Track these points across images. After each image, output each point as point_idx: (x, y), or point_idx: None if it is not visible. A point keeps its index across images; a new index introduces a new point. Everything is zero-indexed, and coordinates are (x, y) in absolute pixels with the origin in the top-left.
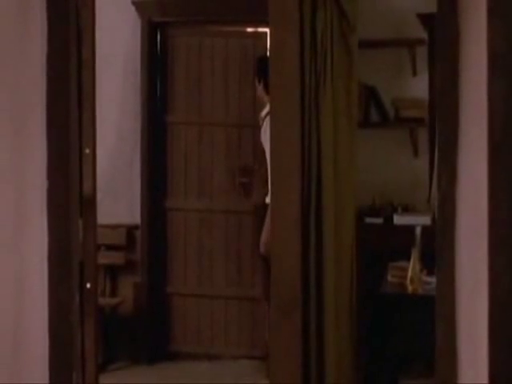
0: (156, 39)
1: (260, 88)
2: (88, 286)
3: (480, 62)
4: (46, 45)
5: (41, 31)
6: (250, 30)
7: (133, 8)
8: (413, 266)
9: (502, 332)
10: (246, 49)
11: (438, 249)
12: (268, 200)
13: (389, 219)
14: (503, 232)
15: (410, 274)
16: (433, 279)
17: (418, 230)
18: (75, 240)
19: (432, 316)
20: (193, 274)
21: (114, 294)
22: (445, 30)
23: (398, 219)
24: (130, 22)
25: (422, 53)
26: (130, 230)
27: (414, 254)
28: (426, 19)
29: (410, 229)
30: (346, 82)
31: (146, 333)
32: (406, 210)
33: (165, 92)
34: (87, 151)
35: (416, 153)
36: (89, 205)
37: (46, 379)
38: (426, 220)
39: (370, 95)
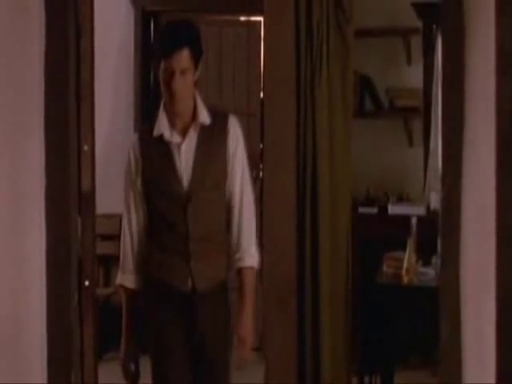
0: (149, 28)
1: None
2: (86, 283)
3: (487, 57)
4: (44, 40)
5: (39, 26)
6: (243, 18)
7: None
8: (408, 256)
9: (510, 329)
10: (239, 38)
11: (442, 245)
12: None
13: (383, 209)
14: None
15: (405, 264)
16: (428, 270)
17: (414, 221)
18: (74, 237)
19: (427, 307)
20: None
21: (107, 284)
22: (449, 21)
23: (393, 209)
24: (123, 11)
25: (416, 42)
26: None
27: (410, 245)
28: (420, 8)
29: (404, 219)
30: (342, 72)
31: (140, 322)
32: (401, 199)
33: (159, 81)
34: (86, 148)
35: (411, 142)
36: (87, 202)
37: (45, 378)
38: (420, 210)
39: (365, 84)
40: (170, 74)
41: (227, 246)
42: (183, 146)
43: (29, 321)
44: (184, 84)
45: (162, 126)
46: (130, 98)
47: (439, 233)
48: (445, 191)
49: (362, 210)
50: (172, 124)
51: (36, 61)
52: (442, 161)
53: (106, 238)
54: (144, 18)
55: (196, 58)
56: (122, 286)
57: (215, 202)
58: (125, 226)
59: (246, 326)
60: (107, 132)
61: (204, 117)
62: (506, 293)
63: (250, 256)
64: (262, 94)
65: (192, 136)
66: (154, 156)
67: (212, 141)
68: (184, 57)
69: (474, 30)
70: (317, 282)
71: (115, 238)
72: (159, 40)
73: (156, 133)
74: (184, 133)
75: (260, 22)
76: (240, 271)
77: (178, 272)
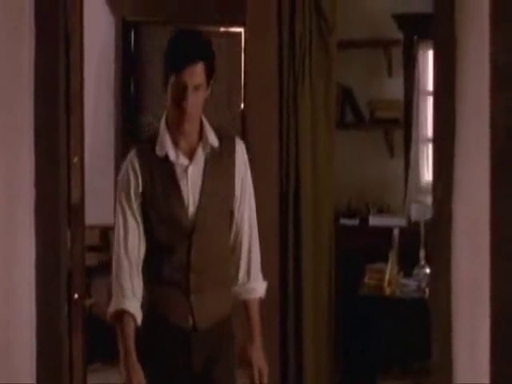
0: (130, 38)
1: None
2: (76, 296)
3: (480, 71)
4: (34, 52)
5: (29, 38)
6: (223, 29)
7: (107, 7)
8: (390, 268)
9: (505, 344)
10: (219, 48)
11: (433, 259)
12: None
13: (364, 220)
14: (506, 239)
15: (387, 276)
16: (410, 281)
17: (396, 232)
18: (64, 249)
19: (409, 318)
20: None
21: (88, 295)
22: (441, 32)
23: (373, 220)
24: (103, 21)
25: (397, 54)
26: (104, 230)
27: (392, 257)
28: (401, 20)
29: (385, 230)
30: (325, 82)
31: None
32: (381, 211)
33: (139, 91)
34: (75, 160)
35: (391, 154)
36: (77, 214)
37: None
38: (401, 221)
39: (345, 96)
40: (182, 90)
41: (233, 276)
42: (190, 169)
43: (18, 334)
44: (196, 101)
45: (166, 146)
46: (110, 108)
47: (427, 246)
48: (435, 205)
49: (343, 221)
50: (175, 143)
51: (26, 72)
52: (433, 174)
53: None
54: (124, 27)
55: (209, 74)
56: (119, 313)
57: (221, 230)
58: (120, 250)
59: (261, 356)
60: (87, 142)
61: (212, 138)
62: (500, 306)
63: (260, 286)
64: (242, 105)
65: (200, 158)
66: (156, 177)
67: (220, 164)
68: (198, 72)
69: (466, 42)
70: (300, 294)
71: (95, 249)
72: (171, 51)
73: (160, 152)
74: (190, 154)
75: (240, 33)
76: (247, 301)
77: (176, 307)
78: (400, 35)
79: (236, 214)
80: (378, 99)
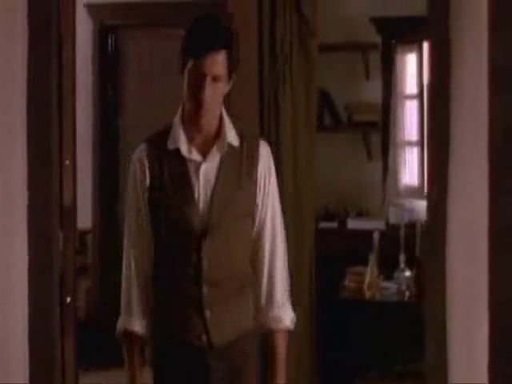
0: (108, 42)
1: None
2: (68, 300)
3: (477, 71)
4: (26, 54)
5: (22, 39)
6: None
7: (85, 11)
8: (371, 271)
9: (504, 344)
10: None
11: (427, 262)
12: None
13: (342, 224)
14: (506, 240)
15: (367, 279)
16: (390, 284)
17: (376, 235)
18: (56, 253)
19: (389, 322)
20: None
21: None
22: (435, 34)
23: (352, 223)
24: (81, 25)
25: (375, 57)
26: (82, 234)
27: (372, 259)
28: (379, 23)
29: (363, 233)
30: (306, 86)
31: (99, 338)
32: (360, 214)
33: (116, 95)
34: (67, 162)
35: (369, 157)
36: (69, 217)
37: None
38: (379, 224)
39: (323, 99)
40: (200, 79)
41: (254, 297)
42: (203, 167)
43: (11, 337)
44: (214, 93)
45: (179, 140)
46: (89, 110)
47: (424, 248)
48: (430, 207)
49: (321, 224)
50: (190, 138)
51: (18, 75)
52: (427, 177)
53: None
54: (102, 32)
55: (232, 65)
56: (127, 332)
57: (238, 239)
58: (129, 260)
59: None
60: None
61: (232, 137)
62: (499, 305)
63: (286, 315)
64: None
65: (215, 156)
66: (165, 171)
67: (239, 166)
68: (219, 61)
69: (462, 44)
70: None
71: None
72: (192, 34)
73: (171, 146)
74: (205, 151)
75: None
76: (273, 332)
77: (189, 324)
78: (378, 39)
79: (257, 223)
80: (355, 102)
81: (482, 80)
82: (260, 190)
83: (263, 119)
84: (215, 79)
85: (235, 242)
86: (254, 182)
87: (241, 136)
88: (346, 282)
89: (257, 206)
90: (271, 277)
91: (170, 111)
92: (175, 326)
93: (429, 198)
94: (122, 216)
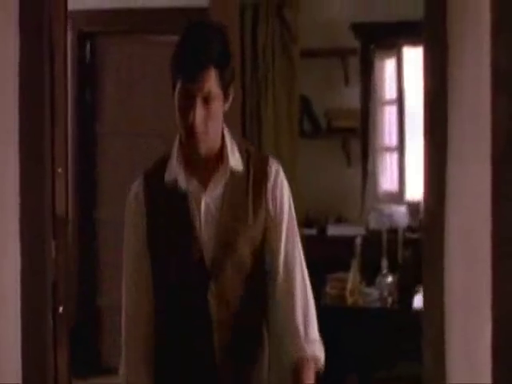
0: (85, 49)
1: None
2: (60, 309)
3: (478, 74)
4: (18, 63)
5: (14, 49)
6: None
7: None
8: (353, 277)
9: (508, 355)
10: None
11: (425, 271)
12: None
13: (322, 230)
14: (510, 248)
15: (349, 285)
16: (372, 290)
17: (358, 241)
18: (49, 261)
19: (372, 328)
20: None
21: None
22: (432, 37)
23: (332, 230)
24: None
25: (354, 63)
26: None
27: (354, 266)
28: (358, 28)
29: (343, 239)
30: (288, 92)
31: (77, 347)
32: (340, 220)
33: (94, 101)
34: (60, 170)
35: (349, 163)
36: (61, 225)
37: None
38: (359, 230)
39: (303, 105)
40: (189, 101)
41: (273, 338)
42: (205, 198)
43: (3, 348)
44: (208, 115)
45: (175, 170)
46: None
47: (422, 256)
48: (427, 215)
49: (302, 231)
50: (188, 167)
51: (10, 82)
52: (424, 183)
53: None
54: (80, 38)
55: (225, 80)
56: None
57: (250, 276)
58: (128, 306)
59: None
60: None
61: (235, 161)
62: (502, 316)
63: (311, 343)
64: None
65: (218, 186)
66: (164, 210)
67: (245, 193)
68: (210, 78)
69: (460, 47)
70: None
71: None
72: (177, 51)
73: (168, 178)
74: (206, 181)
75: None
76: (298, 364)
77: (198, 378)
78: (357, 44)
79: (268, 253)
80: (335, 108)
81: (483, 83)
82: (271, 216)
83: (245, 128)
84: (207, 99)
85: (247, 281)
86: (263, 208)
87: (247, 157)
88: (328, 289)
89: (269, 234)
90: (293, 311)
91: (147, 118)
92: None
93: (426, 206)
94: (100, 223)
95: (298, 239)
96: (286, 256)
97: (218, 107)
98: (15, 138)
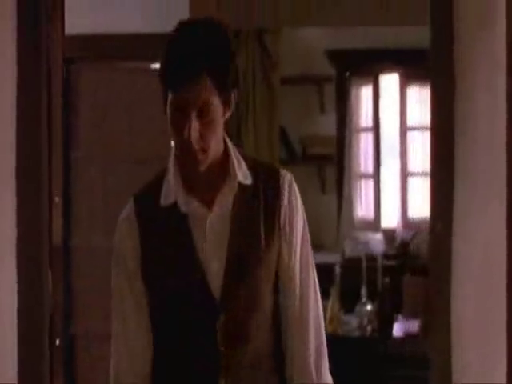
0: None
1: None
2: (57, 342)
3: (491, 103)
4: (15, 89)
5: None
6: (155, 66)
7: None
8: (332, 305)
9: None
10: (151, 85)
11: (432, 294)
12: None
13: None
14: None
15: (329, 313)
16: (351, 318)
17: (337, 269)
18: (46, 292)
19: (351, 357)
20: (98, 314)
21: None
22: (439, 66)
23: None
24: None
25: (329, 90)
26: None
27: (333, 294)
28: (333, 55)
29: (320, 266)
30: (268, 119)
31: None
32: (315, 247)
33: (68, 127)
34: (57, 200)
35: (324, 190)
36: (58, 255)
37: None
38: (335, 257)
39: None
40: (182, 114)
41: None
42: (209, 220)
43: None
44: (206, 128)
45: (174, 191)
46: None
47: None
48: (434, 241)
49: None
50: (187, 186)
51: (8, 110)
52: (431, 211)
53: None
54: None
55: (224, 85)
56: None
57: (264, 305)
58: (119, 345)
59: None
60: None
61: (243, 174)
62: None
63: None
64: None
65: (223, 204)
66: (161, 237)
67: (256, 211)
68: (205, 88)
69: (470, 76)
70: None
71: None
72: (165, 57)
73: (164, 201)
74: (210, 200)
75: None
76: None
77: None
78: (332, 71)
79: (281, 277)
80: (310, 135)
81: (497, 113)
82: (285, 235)
83: None
84: (203, 111)
85: (259, 312)
86: (275, 225)
87: (255, 170)
88: None
89: (282, 255)
90: (306, 343)
91: (123, 144)
92: None
93: (432, 232)
94: (74, 250)
95: (311, 259)
96: (301, 287)
97: (217, 118)
98: (12, 168)
